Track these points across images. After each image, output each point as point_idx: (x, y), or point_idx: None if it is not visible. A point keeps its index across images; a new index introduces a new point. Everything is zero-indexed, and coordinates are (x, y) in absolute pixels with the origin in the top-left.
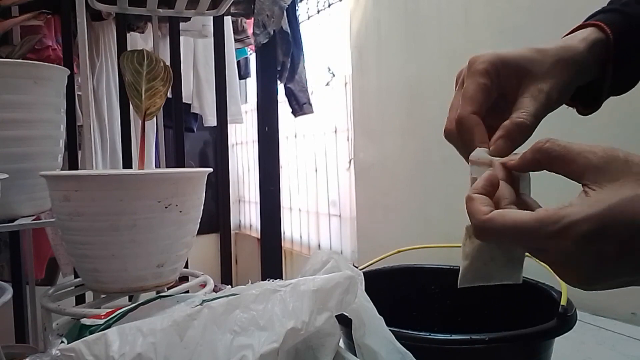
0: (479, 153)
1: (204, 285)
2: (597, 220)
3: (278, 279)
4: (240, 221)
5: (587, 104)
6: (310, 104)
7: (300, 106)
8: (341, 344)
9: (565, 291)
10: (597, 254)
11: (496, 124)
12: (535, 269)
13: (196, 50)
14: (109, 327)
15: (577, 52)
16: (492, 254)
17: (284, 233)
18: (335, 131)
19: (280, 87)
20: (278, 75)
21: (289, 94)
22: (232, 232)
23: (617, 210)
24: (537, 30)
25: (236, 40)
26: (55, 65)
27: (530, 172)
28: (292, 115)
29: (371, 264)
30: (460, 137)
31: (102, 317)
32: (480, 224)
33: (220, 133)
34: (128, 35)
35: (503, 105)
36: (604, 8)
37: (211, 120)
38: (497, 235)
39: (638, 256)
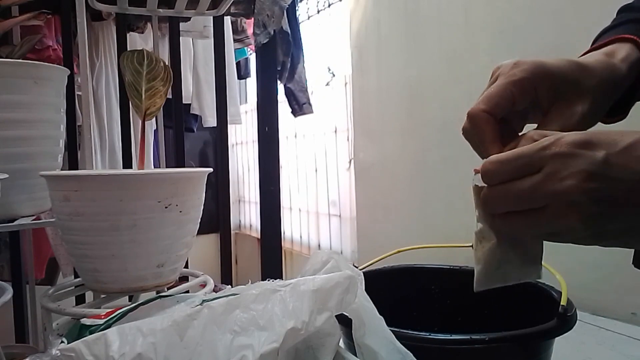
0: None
1: (204, 285)
2: (583, 133)
3: (278, 279)
4: (240, 221)
5: (614, 113)
6: (310, 104)
7: (300, 106)
8: (341, 344)
9: (565, 291)
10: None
11: (520, 128)
12: None
13: (195, 51)
14: (109, 327)
15: (619, 74)
16: (506, 257)
17: (284, 233)
18: (335, 131)
19: (280, 87)
20: (278, 75)
21: (289, 94)
22: (232, 232)
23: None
24: (537, 30)
25: (236, 40)
26: (55, 65)
27: None
28: (292, 116)
29: (371, 264)
30: (472, 132)
31: (102, 317)
32: (486, 163)
33: (220, 133)
34: (128, 35)
35: (534, 111)
36: (626, 17)
37: (210, 121)
38: (502, 166)
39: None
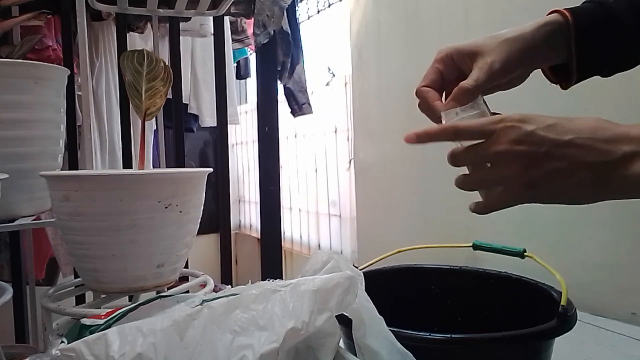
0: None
1: (204, 285)
2: (524, 114)
3: (278, 279)
4: (240, 221)
5: (568, 79)
6: (309, 105)
7: (299, 106)
8: (341, 344)
9: (565, 291)
10: (526, 133)
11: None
12: (535, 270)
13: (194, 51)
14: (109, 327)
15: (523, 32)
16: None
17: (284, 233)
18: (335, 131)
19: (280, 87)
20: (278, 75)
21: (288, 94)
22: (232, 232)
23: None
24: None
25: (236, 41)
26: (55, 65)
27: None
28: (292, 116)
29: (371, 264)
30: (420, 103)
31: (102, 317)
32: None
33: (220, 133)
34: (128, 35)
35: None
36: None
37: (208, 120)
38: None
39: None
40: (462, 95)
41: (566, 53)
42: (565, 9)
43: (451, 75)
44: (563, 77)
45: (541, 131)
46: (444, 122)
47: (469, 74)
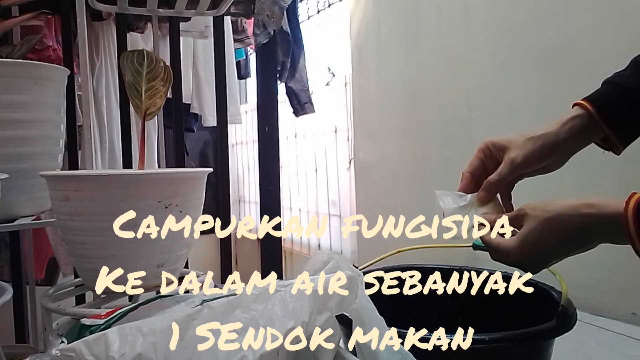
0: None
1: None
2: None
3: (278, 279)
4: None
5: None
6: (311, 104)
7: (301, 105)
8: (341, 344)
9: (566, 291)
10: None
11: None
12: None
13: (196, 51)
14: (109, 327)
15: (547, 131)
16: None
17: None
18: (335, 131)
19: (281, 87)
20: (278, 75)
21: (290, 93)
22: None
23: (530, 236)
24: (537, 30)
25: (236, 40)
26: (55, 65)
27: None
28: (294, 115)
29: (371, 264)
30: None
31: (102, 317)
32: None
33: (220, 133)
34: (128, 35)
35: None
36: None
37: (210, 120)
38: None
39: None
40: (489, 187)
41: (602, 134)
42: (584, 100)
43: (491, 163)
44: (611, 147)
45: (516, 258)
46: (438, 200)
47: (501, 159)
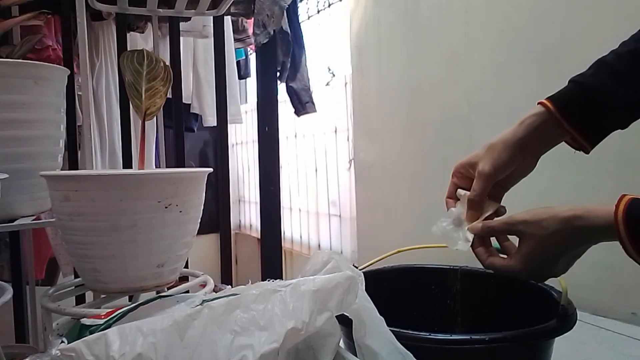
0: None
1: (204, 285)
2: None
3: (278, 279)
4: (240, 221)
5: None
6: (312, 103)
7: (302, 105)
8: (341, 344)
9: (566, 291)
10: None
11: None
12: None
13: (196, 50)
14: (109, 327)
15: (504, 135)
16: None
17: (284, 233)
18: (335, 131)
19: (281, 87)
20: (278, 75)
21: (291, 93)
22: (232, 232)
23: (532, 256)
24: (537, 30)
25: (237, 40)
26: (55, 65)
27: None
28: (295, 115)
29: (371, 264)
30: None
31: (102, 317)
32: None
33: (220, 133)
34: (128, 35)
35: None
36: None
37: (211, 120)
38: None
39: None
40: (472, 205)
41: (567, 133)
42: (546, 98)
43: (467, 184)
44: (580, 147)
45: (514, 272)
46: (435, 228)
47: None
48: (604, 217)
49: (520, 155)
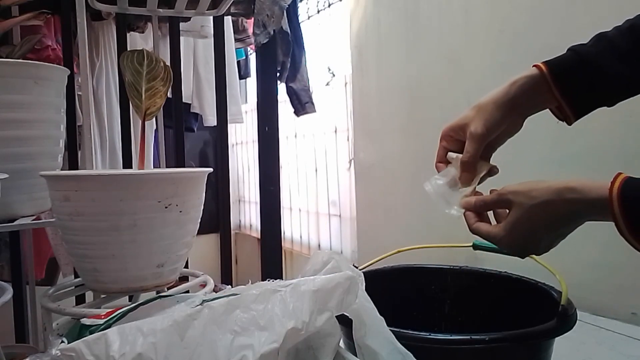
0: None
1: (204, 285)
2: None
3: (278, 279)
4: (240, 221)
5: (568, 118)
6: (312, 103)
7: (302, 105)
8: (341, 344)
9: (566, 291)
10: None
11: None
12: (535, 269)
13: (196, 50)
14: (109, 327)
15: (495, 94)
16: None
17: (284, 233)
18: (335, 131)
19: (281, 87)
20: (278, 75)
21: (291, 93)
22: (232, 232)
23: (518, 224)
24: (537, 30)
25: (237, 40)
26: (55, 65)
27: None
28: (295, 115)
29: (371, 264)
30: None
31: (102, 317)
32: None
33: (220, 133)
34: (128, 35)
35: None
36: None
37: (211, 119)
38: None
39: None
40: (465, 167)
41: (554, 100)
42: (542, 62)
43: (457, 147)
44: (565, 117)
45: (501, 242)
46: (428, 186)
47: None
48: (597, 192)
49: (510, 115)
